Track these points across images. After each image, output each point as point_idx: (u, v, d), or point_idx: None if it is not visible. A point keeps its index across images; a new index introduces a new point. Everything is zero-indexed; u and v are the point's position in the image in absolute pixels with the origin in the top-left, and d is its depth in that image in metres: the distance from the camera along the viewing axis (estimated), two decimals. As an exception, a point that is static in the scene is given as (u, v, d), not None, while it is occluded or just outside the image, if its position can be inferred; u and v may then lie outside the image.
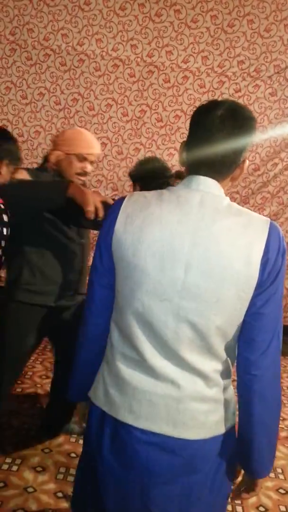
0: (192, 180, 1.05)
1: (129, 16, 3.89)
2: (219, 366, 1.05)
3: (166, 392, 1.03)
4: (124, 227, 1.05)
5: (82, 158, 1.93)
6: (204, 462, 1.06)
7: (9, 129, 4.08)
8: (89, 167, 1.96)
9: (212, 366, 1.04)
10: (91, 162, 1.96)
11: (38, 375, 3.09)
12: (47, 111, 4.10)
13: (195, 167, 1.07)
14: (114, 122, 4.05)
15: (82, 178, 1.97)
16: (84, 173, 1.96)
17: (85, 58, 3.98)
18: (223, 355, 1.05)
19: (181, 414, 1.03)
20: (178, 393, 1.03)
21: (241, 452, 1.11)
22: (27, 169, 1.97)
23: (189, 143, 1.08)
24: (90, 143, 1.97)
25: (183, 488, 1.07)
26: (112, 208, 1.11)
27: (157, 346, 1.04)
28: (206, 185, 1.04)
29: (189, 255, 0.98)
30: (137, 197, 1.09)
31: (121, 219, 1.06)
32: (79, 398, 1.27)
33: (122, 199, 1.11)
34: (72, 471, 2.19)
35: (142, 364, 1.05)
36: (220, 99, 1.09)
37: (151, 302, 1.02)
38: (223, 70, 3.87)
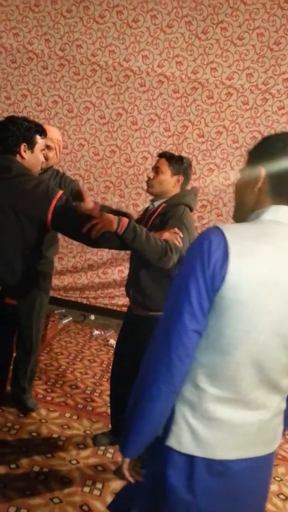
0: (280, 211, 1.06)
1: (176, 34, 3.93)
2: None
3: (260, 418, 1.08)
4: (240, 267, 0.97)
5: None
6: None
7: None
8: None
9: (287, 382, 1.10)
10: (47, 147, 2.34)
11: (68, 384, 3.12)
12: (92, 124, 4.19)
13: (280, 198, 1.07)
14: (156, 137, 4.09)
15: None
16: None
17: (130, 74, 4.05)
18: None
19: (269, 432, 1.10)
20: (268, 415, 1.09)
21: None
22: None
23: (277, 174, 1.07)
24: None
25: (262, 496, 1.19)
26: (208, 244, 0.99)
27: (258, 381, 1.04)
28: None
29: None
30: (240, 231, 1.03)
31: (234, 258, 0.97)
32: (137, 453, 1.16)
33: (217, 232, 1.02)
34: (99, 485, 2.19)
35: (238, 400, 1.05)
36: None
37: (268, 340, 1.01)
38: (267, 88, 3.84)
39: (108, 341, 3.98)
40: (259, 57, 3.81)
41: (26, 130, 1.84)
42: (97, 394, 3.05)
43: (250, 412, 1.07)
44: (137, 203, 4.20)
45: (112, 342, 3.87)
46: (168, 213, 2.10)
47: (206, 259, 0.98)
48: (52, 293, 4.58)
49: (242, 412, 1.06)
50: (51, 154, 2.43)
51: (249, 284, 0.96)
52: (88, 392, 3.06)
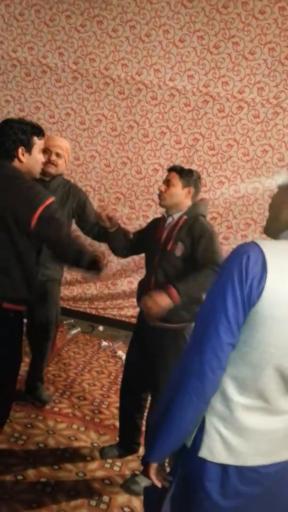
0: None
1: (188, 48, 3.98)
2: None
3: (286, 424, 1.12)
4: (277, 284, 0.99)
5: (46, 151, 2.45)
6: None
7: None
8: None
9: None
10: (56, 154, 2.54)
11: (76, 395, 3.11)
12: (103, 136, 4.24)
13: None
14: (167, 149, 4.12)
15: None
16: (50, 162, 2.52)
17: (142, 87, 4.09)
18: None
19: None
20: None
21: None
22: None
23: None
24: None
25: None
26: (247, 260, 1.01)
27: (286, 390, 1.08)
28: None
29: None
30: (277, 248, 1.05)
31: (272, 274, 0.99)
32: (161, 459, 1.20)
33: (255, 248, 1.03)
34: (106, 498, 2.17)
35: (266, 409, 1.09)
36: None
37: None
38: (278, 101, 3.86)
39: (116, 352, 3.96)
40: (270, 71, 3.84)
41: (23, 133, 1.83)
42: (105, 406, 3.03)
43: (277, 418, 1.11)
44: (147, 214, 4.21)
45: (120, 353, 3.86)
46: (193, 228, 2.12)
47: (244, 274, 1.00)
48: (61, 304, 4.60)
49: (270, 419, 1.10)
50: (60, 161, 2.57)
51: (286, 301, 0.98)
52: (95, 404, 3.04)
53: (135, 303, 2.40)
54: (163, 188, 2.20)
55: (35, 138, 1.88)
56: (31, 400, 2.88)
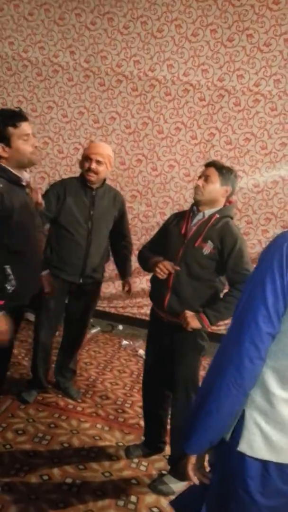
0: None
1: (201, 42, 3.93)
2: None
3: None
4: None
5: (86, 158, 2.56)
6: None
7: (80, 152, 4.23)
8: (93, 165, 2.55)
9: None
10: (97, 162, 2.54)
11: (99, 395, 3.08)
12: (118, 134, 4.21)
13: None
14: (183, 145, 4.07)
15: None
16: (90, 170, 2.55)
17: (156, 83, 4.05)
18: None
19: None
20: None
21: None
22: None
23: None
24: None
25: None
26: (287, 247, 1.00)
27: None
28: None
29: None
30: None
31: None
32: (200, 451, 1.17)
33: None
34: (133, 498, 2.13)
35: None
36: None
37: None
38: (296, 93, 3.79)
39: (137, 351, 3.93)
40: (287, 62, 3.76)
41: None
42: (128, 405, 3.00)
43: None
44: (164, 211, 4.17)
45: (141, 352, 3.82)
46: (224, 230, 2.09)
47: (284, 263, 0.98)
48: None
49: None
50: (101, 168, 2.57)
51: None
52: (119, 403, 3.01)
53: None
54: (200, 182, 2.14)
55: (10, 129, 1.81)
56: (59, 393, 2.94)
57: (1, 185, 1.83)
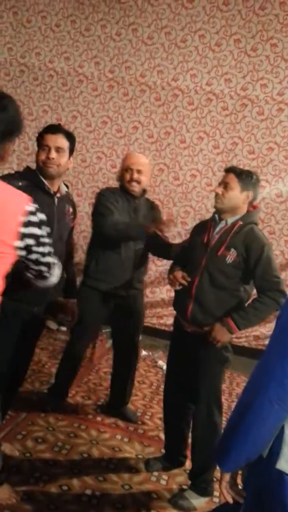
0: None
1: (225, 52, 3.92)
2: None
3: None
4: None
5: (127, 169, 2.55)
6: None
7: (102, 161, 4.26)
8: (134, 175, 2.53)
9: None
10: (138, 172, 2.53)
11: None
12: (140, 144, 4.22)
13: None
14: (205, 154, 4.06)
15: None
16: (133, 180, 2.53)
17: (179, 93, 4.06)
18: None
19: None
20: None
21: None
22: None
23: None
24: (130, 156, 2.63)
25: None
26: None
27: None
28: None
29: None
30: None
31: None
32: (236, 469, 1.15)
33: None
34: (153, 513, 2.10)
35: None
36: None
37: None
38: None
39: (156, 362, 3.89)
40: (312, 71, 3.73)
41: None
42: (148, 417, 2.96)
43: None
44: (186, 221, 4.15)
45: (161, 363, 3.78)
46: (248, 237, 2.05)
47: None
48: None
49: None
50: (143, 177, 2.56)
51: None
52: (138, 414, 2.97)
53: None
54: (219, 190, 2.09)
55: (39, 138, 1.93)
56: (118, 417, 2.86)
57: (20, 184, 1.82)
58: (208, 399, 2.14)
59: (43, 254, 1.38)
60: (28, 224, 1.27)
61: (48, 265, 1.44)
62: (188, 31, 4.01)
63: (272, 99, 3.84)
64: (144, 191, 2.64)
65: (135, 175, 2.52)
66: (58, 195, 2.03)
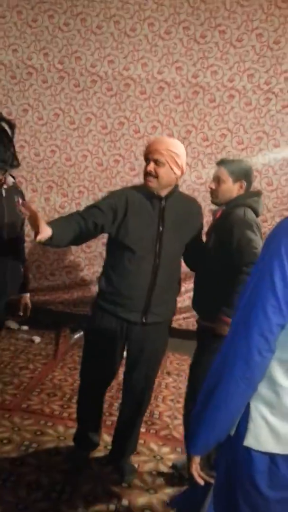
0: None
1: (174, 39, 3.91)
2: None
3: None
4: None
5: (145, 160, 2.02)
6: None
7: (56, 154, 4.17)
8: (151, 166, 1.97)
9: None
10: (155, 162, 1.96)
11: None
12: (94, 135, 4.16)
13: None
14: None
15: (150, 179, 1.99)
16: (149, 173, 1.99)
17: (130, 83, 4.03)
18: None
19: None
20: None
21: None
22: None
23: None
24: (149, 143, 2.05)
25: None
26: None
27: None
28: None
29: None
30: None
31: None
32: (206, 451, 1.12)
33: None
34: (125, 501, 2.08)
35: None
36: None
37: None
38: None
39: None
40: (260, 57, 3.79)
41: None
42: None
43: None
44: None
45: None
46: (229, 216, 2.01)
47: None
48: (62, 308, 4.50)
49: None
50: (161, 170, 1.96)
51: None
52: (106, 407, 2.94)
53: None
54: (213, 185, 2.09)
55: None
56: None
57: None
58: None
59: None
60: None
61: None
62: (137, 20, 3.96)
63: (223, 85, 3.87)
64: (175, 186, 2.07)
65: (149, 167, 1.97)
66: (5, 186, 1.98)
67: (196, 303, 2.21)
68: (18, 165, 1.51)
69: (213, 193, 2.10)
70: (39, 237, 1.71)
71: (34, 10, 4.09)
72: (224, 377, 1.01)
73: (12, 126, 1.94)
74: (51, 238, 1.77)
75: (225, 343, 1.05)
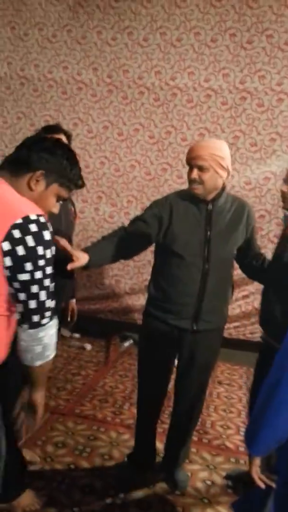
0: None
1: (221, 47, 3.92)
2: None
3: None
4: None
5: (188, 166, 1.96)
6: None
7: (106, 166, 4.27)
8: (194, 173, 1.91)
9: None
10: (199, 168, 1.90)
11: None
12: (142, 145, 4.22)
13: None
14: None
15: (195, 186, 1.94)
16: (193, 181, 1.93)
17: (177, 92, 4.06)
18: None
19: None
20: None
21: None
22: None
23: None
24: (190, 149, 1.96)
25: None
26: None
27: None
28: None
29: None
30: None
31: None
32: (266, 452, 1.11)
33: None
34: (179, 509, 2.05)
35: None
36: None
37: None
38: None
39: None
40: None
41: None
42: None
43: None
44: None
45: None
46: None
47: None
48: (110, 317, 4.56)
49: None
50: (206, 176, 1.90)
51: None
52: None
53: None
54: (285, 188, 1.90)
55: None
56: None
57: None
58: None
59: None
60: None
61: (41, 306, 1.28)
62: (183, 30, 4.01)
63: (271, 90, 3.82)
64: (222, 189, 1.99)
65: (194, 174, 1.91)
66: None
67: (264, 319, 2.01)
68: (83, 185, 1.51)
69: (285, 197, 1.88)
70: (70, 266, 1.74)
71: (83, 27, 4.24)
72: (285, 376, 0.98)
73: (69, 137, 2.01)
74: (87, 264, 1.81)
75: (283, 348, 1.03)
